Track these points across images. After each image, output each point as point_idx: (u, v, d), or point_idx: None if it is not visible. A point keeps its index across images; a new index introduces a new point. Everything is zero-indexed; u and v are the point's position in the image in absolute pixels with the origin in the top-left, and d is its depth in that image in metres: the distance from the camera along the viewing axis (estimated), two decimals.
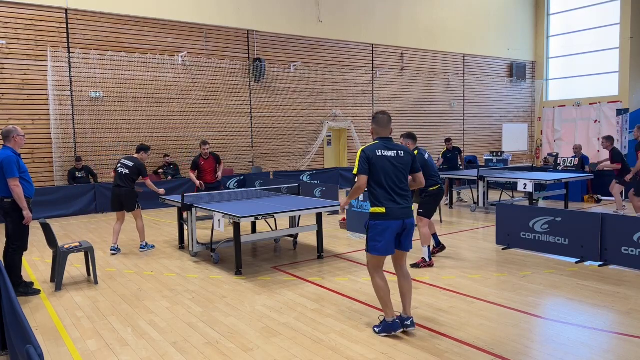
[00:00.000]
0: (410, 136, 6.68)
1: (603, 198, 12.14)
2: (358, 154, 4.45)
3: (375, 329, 4.51)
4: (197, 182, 9.56)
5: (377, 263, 4.46)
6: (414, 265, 6.60)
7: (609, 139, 10.39)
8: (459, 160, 13.16)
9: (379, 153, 4.38)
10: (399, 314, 4.55)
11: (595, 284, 5.82)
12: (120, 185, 7.82)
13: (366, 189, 4.46)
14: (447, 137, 13.62)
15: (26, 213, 5.60)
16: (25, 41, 12.01)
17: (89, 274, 6.49)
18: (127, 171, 7.84)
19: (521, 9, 22.43)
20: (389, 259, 4.57)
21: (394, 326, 4.40)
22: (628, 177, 9.77)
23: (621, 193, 10.51)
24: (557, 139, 21.39)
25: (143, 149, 8.10)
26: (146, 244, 8.15)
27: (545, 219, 7.17)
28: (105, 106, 13.11)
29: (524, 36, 22.59)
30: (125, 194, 7.78)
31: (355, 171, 4.42)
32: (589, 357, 3.93)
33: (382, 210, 4.35)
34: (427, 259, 6.67)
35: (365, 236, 4.56)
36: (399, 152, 4.46)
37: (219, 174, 10.01)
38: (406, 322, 4.47)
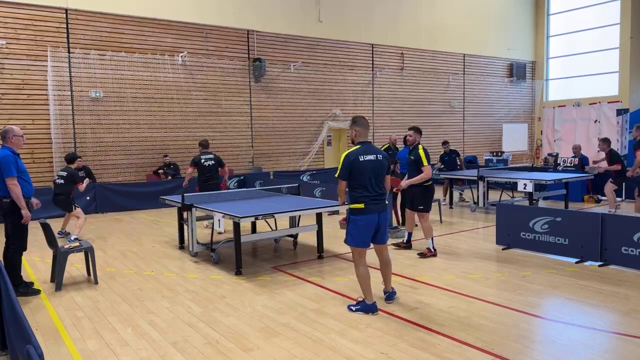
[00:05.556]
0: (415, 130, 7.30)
1: (603, 198, 12.14)
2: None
3: (352, 307, 4.97)
4: (185, 182, 9.47)
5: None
6: (421, 255, 7.17)
7: (605, 142, 10.47)
8: (458, 162, 13.11)
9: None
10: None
11: (595, 284, 5.82)
12: (58, 193, 8.56)
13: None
14: (444, 140, 13.52)
15: (24, 212, 5.60)
16: (25, 41, 12.01)
17: (89, 274, 6.48)
18: (62, 181, 8.55)
19: (521, 9, 22.43)
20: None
21: (372, 308, 4.87)
22: (629, 173, 9.92)
23: (616, 191, 10.57)
24: (557, 139, 21.39)
25: (75, 157, 9.00)
26: (76, 239, 7.89)
27: (545, 219, 7.17)
28: (105, 106, 13.10)
29: (524, 36, 22.58)
30: (61, 201, 8.54)
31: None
32: (589, 357, 3.93)
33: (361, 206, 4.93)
34: (432, 249, 7.19)
35: None
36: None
37: (225, 179, 9.97)
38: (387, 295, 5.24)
